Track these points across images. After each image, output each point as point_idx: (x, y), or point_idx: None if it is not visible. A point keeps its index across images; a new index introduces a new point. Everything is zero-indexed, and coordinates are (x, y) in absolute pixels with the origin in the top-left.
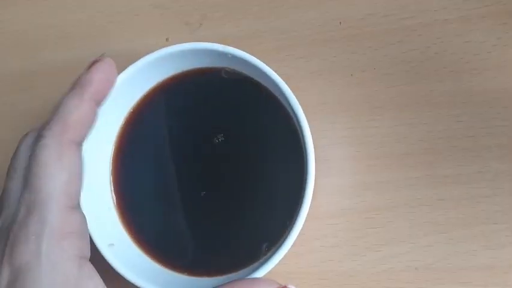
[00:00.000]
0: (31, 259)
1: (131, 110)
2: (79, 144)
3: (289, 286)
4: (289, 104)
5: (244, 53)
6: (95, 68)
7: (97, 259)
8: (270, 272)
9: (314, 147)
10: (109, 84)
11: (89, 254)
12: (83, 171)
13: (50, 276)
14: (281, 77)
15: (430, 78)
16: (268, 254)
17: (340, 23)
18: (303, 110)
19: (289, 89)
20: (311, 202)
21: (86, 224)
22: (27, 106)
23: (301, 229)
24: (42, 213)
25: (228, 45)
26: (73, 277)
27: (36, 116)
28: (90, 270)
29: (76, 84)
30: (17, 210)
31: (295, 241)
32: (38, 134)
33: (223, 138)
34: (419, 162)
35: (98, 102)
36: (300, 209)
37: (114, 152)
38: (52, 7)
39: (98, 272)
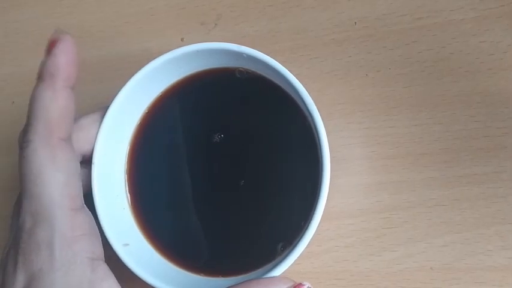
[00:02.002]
0: (43, 265)
1: (147, 110)
2: (68, 139)
3: (304, 284)
4: (305, 104)
5: (260, 52)
6: (58, 51)
7: (112, 259)
8: (285, 272)
9: (329, 147)
10: (76, 64)
11: (102, 254)
12: (79, 168)
13: (63, 281)
14: (296, 77)
15: (445, 78)
16: (284, 254)
17: (356, 23)
18: (318, 110)
19: (304, 89)
20: (326, 202)
21: (94, 223)
22: None
23: (317, 229)
24: (48, 220)
25: (243, 45)
26: (87, 280)
27: None
28: (104, 271)
29: (44, 74)
30: (22, 219)
31: (310, 241)
32: (24, 139)
33: (238, 138)
34: (435, 162)
35: (72, 86)
36: (315, 209)
37: (129, 152)
38: (69, 7)
39: (113, 272)
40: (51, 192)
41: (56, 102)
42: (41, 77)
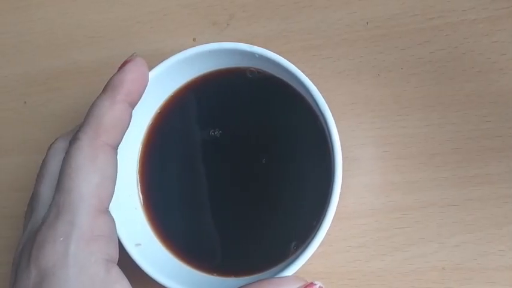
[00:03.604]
0: (58, 261)
1: (159, 110)
2: (114, 147)
3: (315, 283)
4: (317, 104)
5: (272, 52)
6: (126, 69)
7: (124, 259)
8: (297, 272)
9: (341, 147)
10: (142, 84)
11: (117, 258)
12: (116, 176)
13: (76, 279)
14: (308, 77)
15: (457, 78)
16: (296, 254)
17: (368, 23)
18: (330, 110)
19: (316, 89)
20: (338, 202)
21: (115, 228)
22: (56, 106)
23: (329, 229)
24: (72, 215)
25: (256, 45)
26: (100, 280)
27: (64, 116)
28: (117, 273)
29: (108, 86)
30: (46, 211)
31: (322, 241)
32: (73, 137)
33: (250, 138)
34: (447, 162)
35: (132, 103)
36: (327, 209)
37: (141, 152)
38: (81, 7)
39: (125, 272)
40: (82, 188)
41: (111, 112)
42: (104, 88)
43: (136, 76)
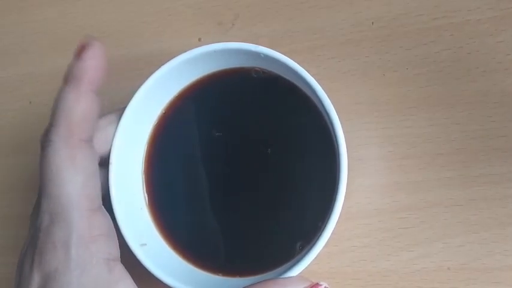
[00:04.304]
0: (59, 265)
1: (164, 110)
2: (89, 141)
3: (321, 283)
4: (322, 104)
5: (277, 52)
6: (86, 56)
7: (129, 259)
8: (302, 272)
9: (347, 147)
10: (102, 69)
11: (118, 255)
12: (98, 169)
13: (79, 281)
14: (313, 77)
15: (462, 79)
16: (301, 254)
17: (373, 23)
18: (336, 110)
19: (321, 89)
20: (344, 202)
21: (112, 224)
22: None
23: (334, 229)
24: (66, 220)
25: (261, 45)
26: (103, 280)
27: None
28: (121, 272)
29: (70, 76)
30: (40, 218)
31: (327, 241)
32: (46, 138)
33: (255, 138)
34: (452, 162)
35: (96, 90)
36: (332, 209)
37: (146, 152)
38: (85, 8)
39: (130, 272)
40: (69, 192)
41: (78, 105)
42: (66, 79)
43: (97, 62)
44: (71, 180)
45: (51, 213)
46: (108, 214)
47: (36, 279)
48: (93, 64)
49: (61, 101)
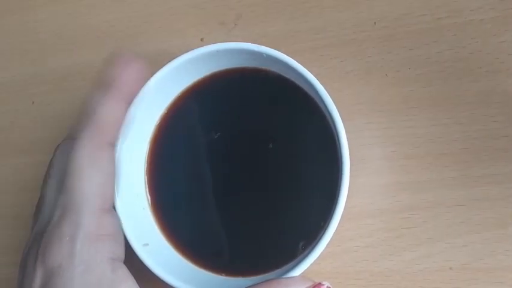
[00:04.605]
0: (64, 261)
1: (166, 110)
2: (112, 145)
3: (323, 283)
4: (324, 104)
5: (279, 52)
6: (131, 68)
7: (131, 259)
8: (304, 272)
9: (349, 147)
10: (140, 85)
11: (123, 257)
12: (116, 173)
13: (82, 278)
14: (316, 77)
15: (465, 78)
16: (303, 254)
17: (375, 23)
18: (338, 110)
19: (324, 89)
20: (346, 202)
21: (121, 226)
22: (64, 106)
23: (336, 229)
24: (77, 215)
25: (263, 45)
26: (106, 279)
27: (72, 116)
28: (124, 272)
29: (105, 83)
30: (51, 212)
31: (330, 241)
32: (73, 137)
33: (257, 138)
34: (455, 162)
35: (128, 100)
36: (335, 209)
37: (149, 152)
38: (88, 7)
39: (132, 273)
40: (85, 188)
41: (111, 111)
42: (100, 83)
43: (139, 76)
44: (89, 178)
45: (64, 207)
46: (118, 217)
47: (39, 276)
48: (135, 77)
49: (93, 103)
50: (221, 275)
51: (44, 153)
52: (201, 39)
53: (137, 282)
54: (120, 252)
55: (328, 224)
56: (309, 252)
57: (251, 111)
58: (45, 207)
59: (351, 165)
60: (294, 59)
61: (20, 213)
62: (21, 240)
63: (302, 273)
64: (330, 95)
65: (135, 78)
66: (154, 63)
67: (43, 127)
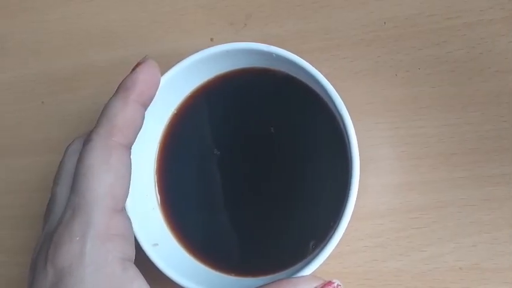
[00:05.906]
0: (74, 260)
1: (176, 110)
2: (127, 147)
3: (333, 281)
4: (334, 104)
5: (289, 52)
6: (138, 70)
7: (141, 259)
8: (314, 272)
9: (359, 147)
10: (153, 85)
11: (133, 257)
12: (130, 175)
13: (93, 278)
14: (325, 77)
15: (474, 78)
16: (313, 254)
17: (385, 22)
18: (348, 110)
19: (333, 89)
20: (356, 202)
21: (131, 227)
22: (73, 106)
23: (346, 229)
24: (87, 215)
25: (273, 45)
26: (117, 279)
27: (82, 116)
28: (134, 272)
29: (120, 88)
30: (62, 212)
31: (339, 241)
32: (86, 138)
33: (267, 138)
34: (465, 163)
35: (144, 104)
36: (344, 209)
37: (158, 151)
38: (97, 8)
39: (142, 273)
40: (97, 188)
41: (122, 112)
42: (117, 89)
43: (148, 77)
44: (101, 178)
45: (75, 206)
46: (129, 219)
47: (49, 276)
48: (144, 78)
49: (108, 107)
50: (231, 275)
51: (54, 153)
52: (211, 39)
53: (147, 282)
54: (131, 252)
55: (338, 224)
56: (319, 252)
57: (260, 111)
58: (56, 207)
59: (361, 165)
60: (304, 59)
61: (29, 213)
62: (32, 241)
63: (312, 272)
64: (339, 95)
65: (146, 79)
66: (164, 64)
67: (52, 127)
